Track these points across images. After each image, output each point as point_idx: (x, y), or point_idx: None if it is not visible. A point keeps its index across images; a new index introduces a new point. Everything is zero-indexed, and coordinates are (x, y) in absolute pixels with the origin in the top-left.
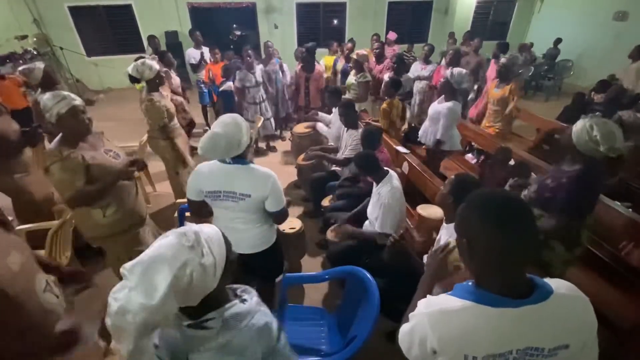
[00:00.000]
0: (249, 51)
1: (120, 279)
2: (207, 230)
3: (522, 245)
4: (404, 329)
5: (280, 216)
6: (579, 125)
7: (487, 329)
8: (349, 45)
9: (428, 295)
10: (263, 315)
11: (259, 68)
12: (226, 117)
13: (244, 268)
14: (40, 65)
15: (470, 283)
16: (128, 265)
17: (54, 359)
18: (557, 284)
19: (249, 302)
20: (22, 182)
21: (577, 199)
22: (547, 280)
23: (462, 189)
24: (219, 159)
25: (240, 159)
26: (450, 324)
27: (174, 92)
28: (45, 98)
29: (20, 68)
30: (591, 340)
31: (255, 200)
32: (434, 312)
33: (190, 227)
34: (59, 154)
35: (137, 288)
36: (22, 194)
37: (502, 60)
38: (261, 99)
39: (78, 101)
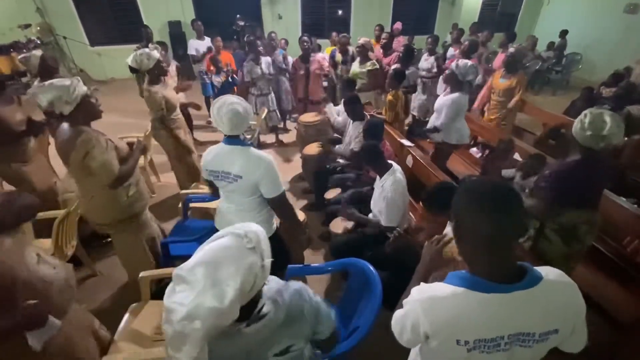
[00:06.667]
0: (257, 41)
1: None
2: (260, 228)
3: (505, 225)
4: (397, 314)
5: (277, 204)
6: (579, 116)
7: (477, 314)
8: (343, 39)
9: (421, 283)
10: (291, 283)
11: (264, 60)
12: (236, 97)
13: None
14: (37, 53)
15: (463, 272)
16: (186, 266)
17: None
18: (546, 271)
19: (271, 280)
20: (21, 171)
21: (565, 187)
22: (537, 267)
23: (434, 200)
24: (224, 141)
25: (239, 140)
26: (442, 309)
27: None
28: (55, 94)
29: (20, 57)
30: (579, 324)
31: (246, 183)
32: (426, 298)
33: (248, 227)
34: (93, 138)
35: (206, 292)
36: (21, 182)
37: (511, 49)
38: (268, 90)
39: (82, 84)
